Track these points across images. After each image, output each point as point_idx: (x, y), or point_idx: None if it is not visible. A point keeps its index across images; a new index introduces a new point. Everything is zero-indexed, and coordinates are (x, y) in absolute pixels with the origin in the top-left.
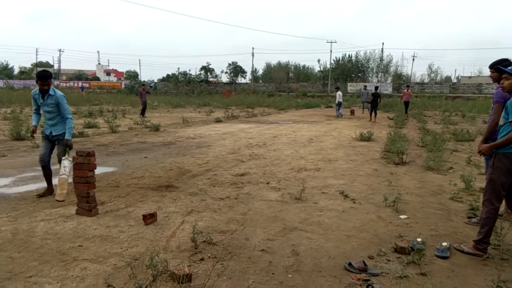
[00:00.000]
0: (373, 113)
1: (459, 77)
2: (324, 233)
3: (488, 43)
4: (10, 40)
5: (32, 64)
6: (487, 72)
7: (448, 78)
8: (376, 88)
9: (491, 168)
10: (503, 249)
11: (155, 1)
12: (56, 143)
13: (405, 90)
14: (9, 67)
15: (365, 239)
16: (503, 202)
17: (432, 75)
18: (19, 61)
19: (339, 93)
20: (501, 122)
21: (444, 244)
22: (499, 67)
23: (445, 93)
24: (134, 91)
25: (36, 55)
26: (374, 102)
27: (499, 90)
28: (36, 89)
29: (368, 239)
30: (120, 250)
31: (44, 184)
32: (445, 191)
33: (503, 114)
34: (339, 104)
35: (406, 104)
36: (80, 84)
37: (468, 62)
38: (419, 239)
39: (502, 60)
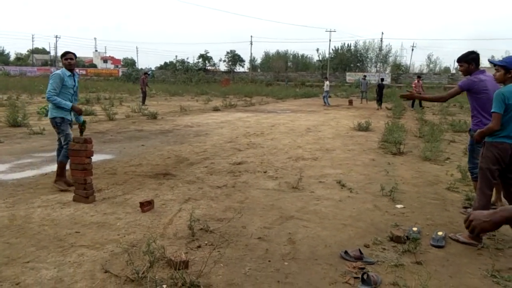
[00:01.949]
0: (379, 102)
1: (458, 68)
2: (321, 221)
3: (488, 34)
4: (6, 26)
5: (28, 51)
6: (485, 63)
7: (447, 69)
8: (382, 79)
9: (481, 157)
10: (498, 239)
11: None
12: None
13: (416, 81)
14: (5, 53)
15: (361, 228)
16: (497, 192)
17: (431, 65)
18: (15, 47)
19: (327, 83)
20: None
21: (440, 233)
22: (490, 61)
23: (444, 83)
24: (132, 78)
25: (32, 41)
26: (380, 92)
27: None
28: (60, 70)
29: (364, 228)
30: (117, 237)
31: (41, 171)
32: (441, 181)
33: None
34: (327, 93)
35: None
36: (77, 70)
37: None
38: (414, 229)
39: (469, 53)
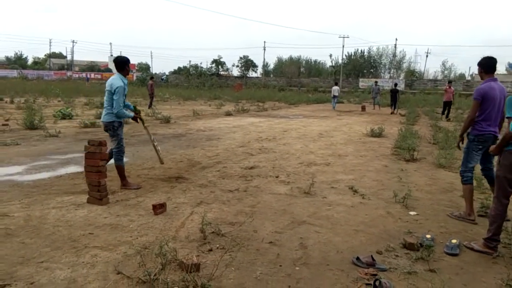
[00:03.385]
0: (393, 107)
1: (473, 75)
2: (333, 227)
3: (504, 40)
4: (25, 31)
5: (45, 55)
6: (502, 69)
7: (462, 75)
8: (395, 84)
9: (498, 165)
10: None
11: None
12: None
13: (447, 87)
14: (23, 57)
15: (374, 234)
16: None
17: (446, 72)
18: (33, 51)
19: (335, 87)
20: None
21: (454, 241)
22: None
23: (459, 90)
24: (146, 83)
25: (50, 46)
26: (394, 97)
27: (477, 88)
28: (120, 80)
29: (376, 234)
30: (130, 239)
31: (56, 173)
32: (456, 188)
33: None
34: (335, 97)
35: (447, 104)
36: (84, 74)
37: None
38: (428, 236)
39: (482, 58)
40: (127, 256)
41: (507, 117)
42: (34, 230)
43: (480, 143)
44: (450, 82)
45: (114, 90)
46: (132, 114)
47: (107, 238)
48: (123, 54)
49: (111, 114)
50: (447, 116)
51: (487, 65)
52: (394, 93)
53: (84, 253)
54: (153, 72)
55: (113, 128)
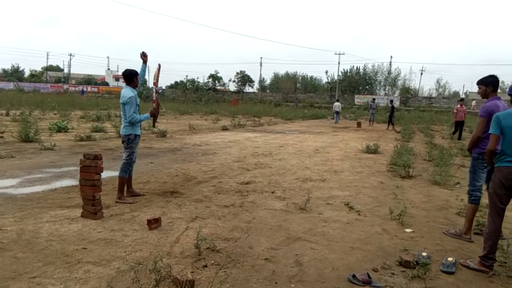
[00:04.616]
0: (390, 124)
1: (468, 92)
2: (328, 244)
3: (498, 59)
4: (22, 43)
5: (42, 68)
6: None
7: (456, 93)
8: (391, 101)
9: (490, 183)
10: (509, 266)
11: (164, 9)
12: None
13: (459, 106)
14: (20, 70)
15: (370, 252)
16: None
17: (440, 89)
18: (30, 64)
19: (337, 103)
20: None
21: (450, 259)
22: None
23: (453, 108)
24: (142, 97)
25: (47, 59)
26: (391, 113)
27: (484, 105)
28: (130, 91)
29: (372, 251)
30: (123, 254)
31: (51, 186)
32: (451, 206)
33: None
34: (337, 113)
35: (459, 125)
36: (80, 88)
37: (477, 78)
38: (424, 253)
39: (488, 76)
40: (120, 272)
41: (490, 133)
42: (26, 245)
43: (484, 160)
44: (462, 100)
45: (126, 101)
46: (147, 114)
47: (100, 253)
48: (120, 68)
49: (128, 127)
50: (459, 138)
51: (495, 83)
52: (391, 109)
53: (77, 268)
54: (150, 86)
55: (128, 140)
